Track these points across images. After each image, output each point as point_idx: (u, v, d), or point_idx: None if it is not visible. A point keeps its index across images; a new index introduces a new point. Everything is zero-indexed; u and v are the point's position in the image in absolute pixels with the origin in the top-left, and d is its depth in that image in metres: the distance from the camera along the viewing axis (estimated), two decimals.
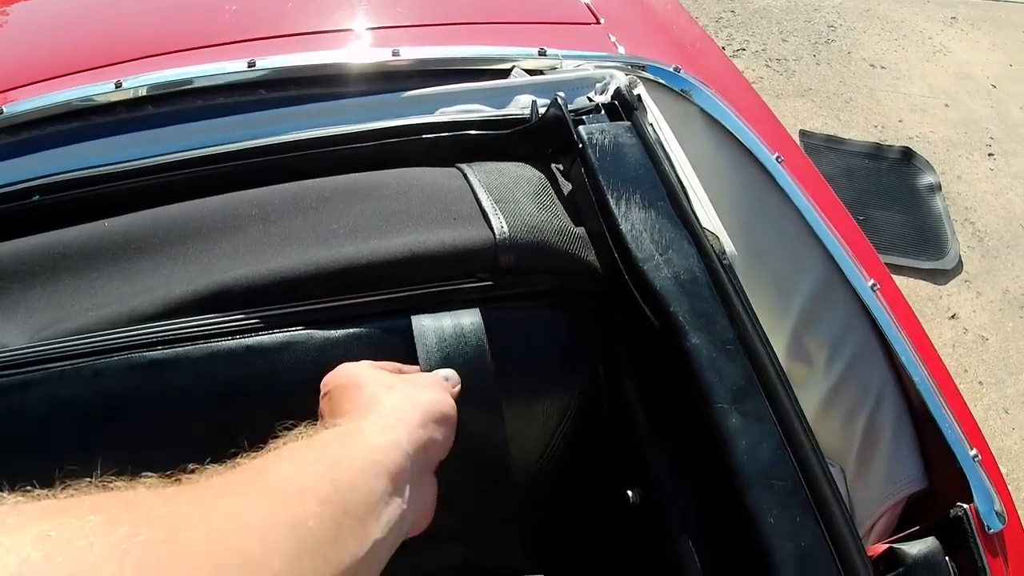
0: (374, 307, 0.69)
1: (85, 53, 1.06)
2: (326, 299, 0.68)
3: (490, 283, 0.71)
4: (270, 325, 0.66)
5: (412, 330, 0.66)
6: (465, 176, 0.80)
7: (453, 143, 0.87)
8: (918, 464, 0.84)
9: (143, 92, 0.96)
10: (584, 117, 0.87)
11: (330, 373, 0.57)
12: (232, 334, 0.66)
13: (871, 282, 0.88)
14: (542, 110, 0.86)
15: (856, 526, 0.82)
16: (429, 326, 0.66)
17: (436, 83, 0.96)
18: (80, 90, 0.96)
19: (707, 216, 0.84)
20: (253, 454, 0.42)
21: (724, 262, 0.74)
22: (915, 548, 0.72)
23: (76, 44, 1.11)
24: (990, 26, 3.63)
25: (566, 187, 0.83)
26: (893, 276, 0.89)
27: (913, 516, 0.84)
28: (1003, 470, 2.02)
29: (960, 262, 2.55)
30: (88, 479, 0.37)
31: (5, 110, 0.95)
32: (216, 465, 0.41)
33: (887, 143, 2.91)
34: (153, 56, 1.02)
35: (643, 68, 1.03)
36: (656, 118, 0.91)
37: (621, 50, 1.09)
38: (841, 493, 0.64)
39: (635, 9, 1.25)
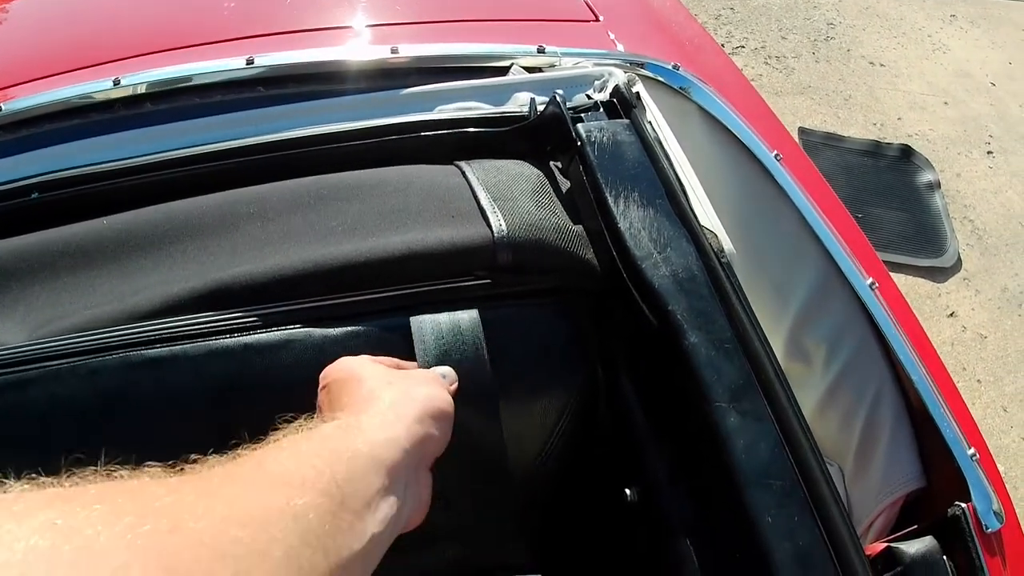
0: (372, 305, 0.69)
1: (84, 50, 1.06)
2: (325, 297, 0.68)
3: (488, 281, 0.71)
4: (268, 323, 0.66)
5: (410, 328, 0.66)
6: (463, 174, 0.80)
7: (452, 140, 0.87)
8: (916, 463, 0.84)
9: (142, 89, 0.96)
10: (583, 115, 0.87)
11: (329, 366, 0.57)
12: (230, 332, 0.66)
13: (869, 280, 0.88)
14: (541, 107, 0.86)
15: (854, 525, 0.83)
16: (427, 324, 0.66)
17: (435, 80, 0.96)
18: (79, 87, 0.96)
19: (705, 214, 0.84)
20: (253, 446, 0.43)
21: (722, 260, 0.74)
22: (913, 547, 0.72)
23: (75, 41, 1.11)
24: (989, 24, 3.63)
25: (564, 185, 0.83)
26: (892, 274, 0.89)
27: (911, 515, 0.84)
28: (1001, 468, 2.02)
29: (959, 260, 2.55)
30: (93, 468, 0.37)
31: (4, 107, 0.95)
32: (217, 456, 0.41)
33: (886, 141, 2.91)
34: (152, 53, 1.02)
35: (642, 66, 1.03)
36: (655, 116, 0.91)
37: (620, 47, 1.08)
38: (839, 492, 0.64)
39: (634, 6, 1.25)
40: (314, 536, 0.36)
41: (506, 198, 0.75)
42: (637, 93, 0.90)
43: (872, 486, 0.85)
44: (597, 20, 1.15)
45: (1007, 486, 0.79)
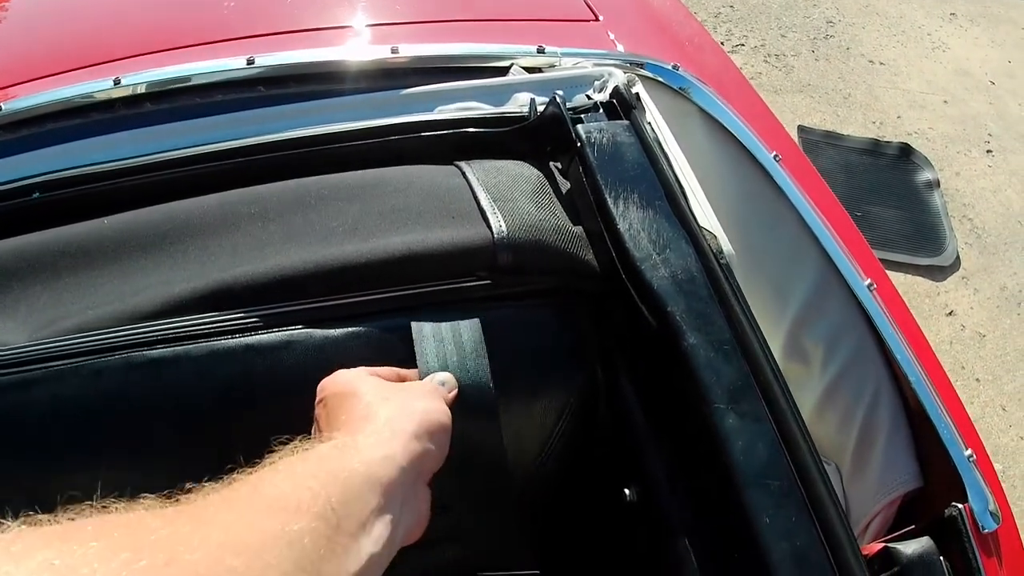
0: (373, 306, 0.69)
1: (84, 50, 1.06)
2: (325, 298, 0.69)
3: (488, 282, 0.71)
4: (270, 324, 0.67)
5: (410, 329, 0.66)
6: (464, 174, 0.80)
7: (452, 140, 0.87)
8: (913, 463, 0.85)
9: (142, 89, 0.96)
10: (582, 116, 0.87)
11: (326, 379, 0.57)
12: (232, 333, 0.66)
13: (868, 281, 0.88)
14: (541, 108, 0.86)
15: (851, 525, 0.83)
16: (427, 325, 0.66)
17: (435, 80, 0.96)
18: (79, 87, 0.96)
19: (705, 215, 0.84)
20: (249, 469, 0.43)
21: (721, 261, 0.74)
22: (910, 547, 0.72)
23: (75, 41, 1.11)
24: (989, 22, 3.62)
25: (564, 185, 0.83)
26: (891, 272, 0.89)
27: (908, 515, 0.84)
28: (999, 467, 2.03)
29: (958, 259, 2.55)
30: (89, 502, 0.37)
31: (4, 107, 0.95)
32: (212, 483, 0.41)
33: (885, 139, 2.91)
34: (152, 53, 1.02)
35: (641, 66, 1.03)
36: (654, 117, 0.92)
37: (620, 47, 1.09)
38: (837, 492, 0.64)
39: (634, 6, 1.25)
40: (309, 561, 0.36)
41: (506, 199, 0.75)
42: (637, 94, 0.91)
43: (869, 486, 0.86)
44: (597, 20, 1.15)
45: (1005, 485, 0.80)
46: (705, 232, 0.77)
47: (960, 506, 0.76)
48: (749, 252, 0.92)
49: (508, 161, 0.84)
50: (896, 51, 3.36)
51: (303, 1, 1.13)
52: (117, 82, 0.95)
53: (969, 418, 0.85)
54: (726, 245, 0.83)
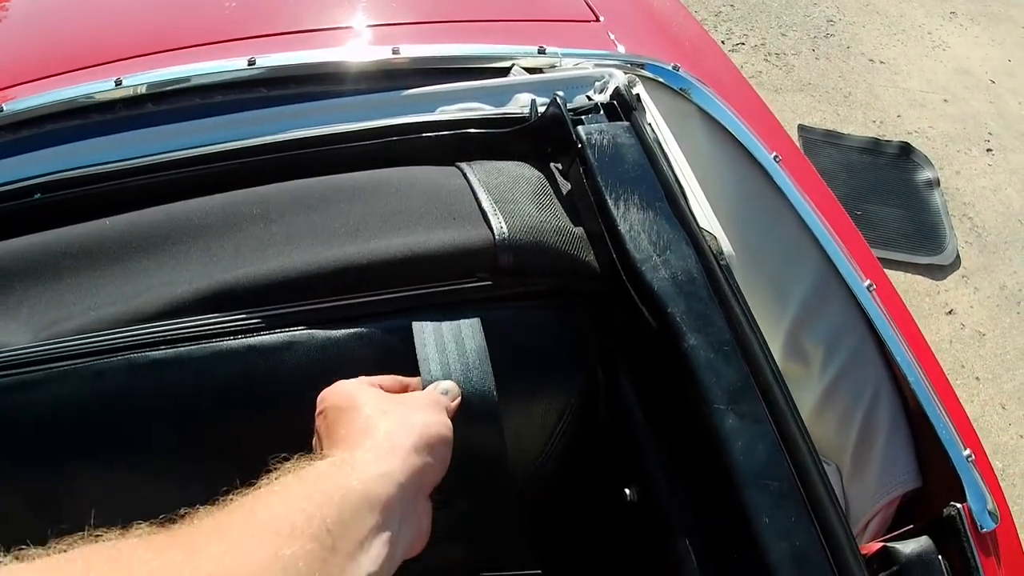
0: (374, 307, 0.69)
1: (85, 50, 1.06)
2: (327, 299, 0.69)
3: (489, 283, 0.71)
4: (271, 325, 0.67)
5: (412, 330, 0.66)
6: (465, 175, 0.80)
7: (453, 141, 0.87)
8: (912, 464, 0.85)
9: (143, 90, 0.96)
10: (583, 117, 0.87)
11: (327, 390, 0.56)
12: (234, 334, 0.66)
13: (867, 282, 0.89)
14: (541, 109, 0.86)
15: (851, 525, 0.83)
16: (428, 326, 0.66)
17: (436, 81, 0.97)
18: (80, 88, 0.96)
19: (705, 216, 0.84)
20: (245, 490, 0.42)
21: (721, 262, 0.74)
22: (909, 547, 0.73)
23: (76, 41, 1.11)
24: (989, 21, 3.62)
25: (565, 187, 0.84)
26: (891, 271, 0.90)
27: (907, 515, 0.85)
28: (999, 465, 2.04)
29: (958, 257, 2.55)
30: (80, 533, 0.37)
31: (5, 108, 0.95)
32: (207, 506, 0.41)
33: (886, 138, 2.91)
34: (153, 54, 1.02)
35: (642, 66, 1.03)
36: (655, 118, 0.92)
37: (620, 48, 1.09)
38: (836, 492, 0.65)
39: (634, 6, 1.25)
40: None
41: (507, 200, 0.76)
42: (637, 95, 0.91)
43: (869, 486, 0.86)
44: (597, 20, 1.15)
45: (1005, 483, 0.80)
46: (705, 233, 0.77)
47: (959, 506, 0.76)
48: (749, 253, 0.93)
49: (509, 162, 0.84)
50: (896, 50, 3.35)
51: (304, 2, 1.13)
52: (118, 83, 0.95)
53: (968, 418, 0.85)
54: (726, 246, 0.83)
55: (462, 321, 0.67)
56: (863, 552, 0.71)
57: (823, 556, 0.57)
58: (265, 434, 0.67)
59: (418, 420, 0.52)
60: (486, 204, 0.75)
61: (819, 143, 2.85)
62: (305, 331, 0.67)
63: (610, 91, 0.91)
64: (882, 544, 0.75)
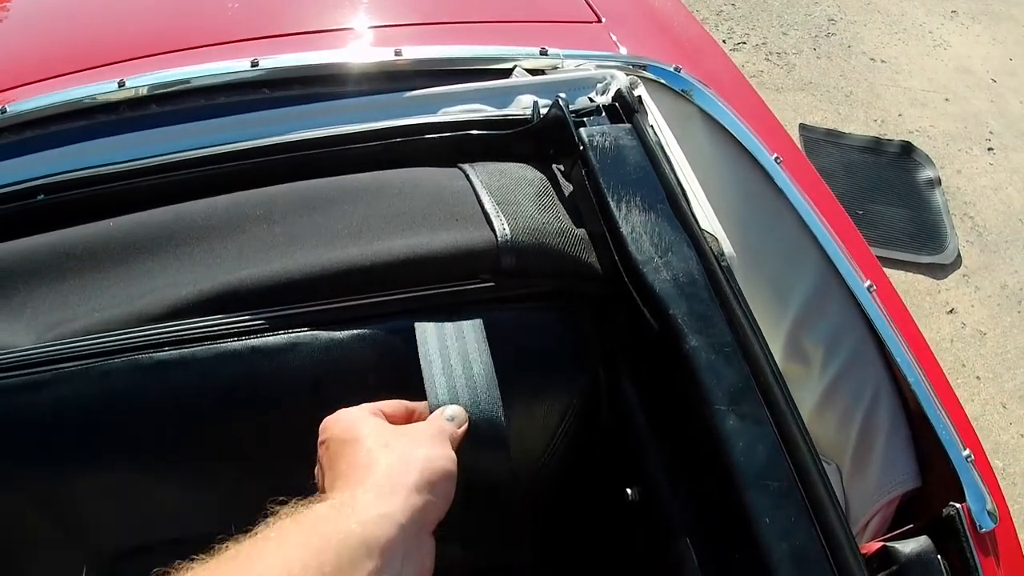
0: (377, 308, 0.70)
1: (88, 52, 1.06)
2: (330, 300, 0.69)
3: (492, 284, 0.72)
4: (275, 326, 0.67)
5: (414, 331, 0.66)
6: (467, 177, 0.81)
7: (455, 143, 0.87)
8: (912, 463, 0.85)
9: (145, 92, 0.97)
10: (585, 119, 0.88)
11: (329, 419, 0.55)
12: (238, 335, 0.66)
13: (867, 283, 0.89)
14: (544, 111, 0.87)
15: (851, 524, 0.84)
16: (431, 327, 0.67)
17: (438, 83, 0.97)
18: (83, 89, 0.97)
19: (706, 217, 0.84)
20: (241, 537, 0.42)
21: (723, 264, 0.75)
22: (908, 547, 0.73)
23: (79, 43, 1.12)
24: (990, 20, 3.62)
25: (567, 188, 0.84)
26: (891, 270, 0.90)
27: (907, 515, 0.85)
28: (999, 464, 2.04)
29: (959, 257, 2.56)
30: None
31: (9, 109, 0.95)
32: (203, 555, 0.41)
33: (887, 137, 2.91)
34: (156, 55, 1.03)
35: (644, 68, 1.03)
36: (656, 119, 0.92)
37: (622, 49, 1.09)
38: (836, 492, 0.65)
39: (636, 7, 1.25)
40: None
41: (510, 202, 0.76)
42: (639, 97, 0.91)
43: (869, 486, 0.87)
44: (599, 21, 1.15)
45: (1006, 482, 0.81)
46: (707, 235, 0.77)
47: (958, 506, 0.76)
48: (750, 253, 0.93)
49: (511, 164, 0.84)
50: (897, 49, 3.35)
51: (307, 3, 1.13)
52: (121, 84, 0.96)
53: (967, 418, 0.85)
54: (727, 247, 0.83)
55: (464, 323, 0.67)
56: (863, 552, 0.71)
57: (823, 556, 0.57)
58: (269, 435, 0.68)
59: (420, 455, 0.50)
60: (488, 206, 0.75)
61: (820, 142, 2.85)
62: (309, 332, 0.67)
63: (612, 93, 0.91)
64: (882, 544, 0.75)
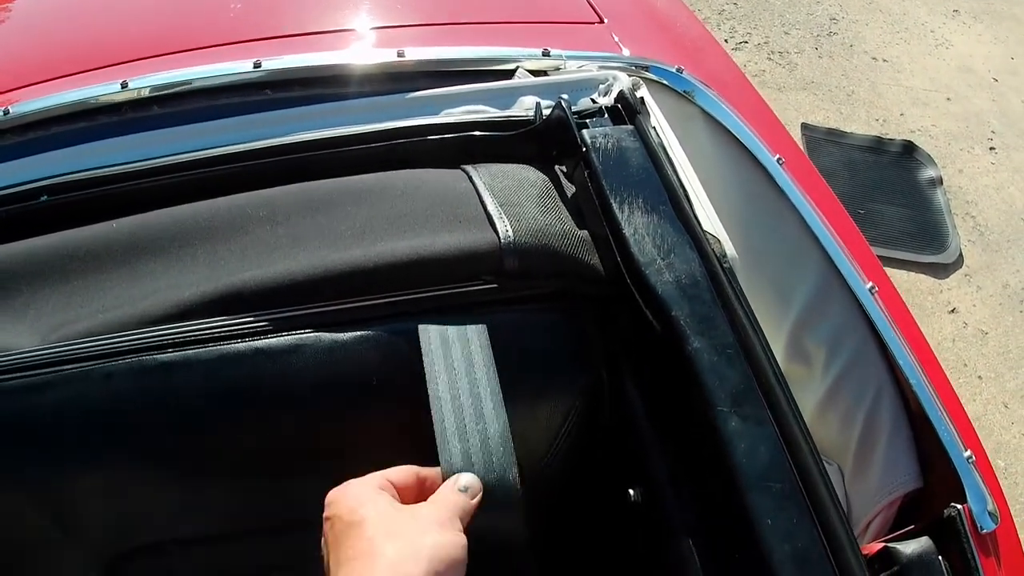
0: (381, 310, 0.70)
1: (91, 53, 1.06)
2: (334, 301, 0.69)
3: (495, 286, 0.72)
4: (279, 328, 0.67)
5: (418, 333, 0.67)
6: (470, 178, 0.81)
7: (458, 144, 0.87)
8: (914, 464, 0.85)
9: (148, 93, 0.97)
10: (588, 120, 0.88)
11: (335, 492, 0.53)
12: (241, 337, 0.67)
13: (869, 284, 0.89)
14: (546, 112, 0.87)
15: (852, 525, 0.84)
16: (434, 329, 0.67)
17: (441, 84, 0.97)
18: (86, 90, 0.97)
19: (708, 219, 0.84)
20: None
21: (725, 265, 0.75)
22: (909, 547, 0.73)
23: (81, 44, 1.12)
24: (992, 19, 3.62)
25: (570, 190, 0.84)
26: (893, 270, 0.90)
27: (908, 515, 0.85)
28: (1002, 464, 2.04)
29: (960, 256, 2.55)
30: None
31: (12, 110, 0.95)
32: None
33: (889, 136, 2.91)
34: (159, 56, 1.03)
35: (646, 69, 1.03)
36: (659, 121, 0.92)
37: (624, 50, 1.09)
38: (838, 493, 0.65)
39: (638, 8, 1.25)
40: None
41: (512, 203, 0.76)
42: (641, 98, 0.91)
43: (870, 486, 0.87)
44: (602, 22, 1.15)
45: (1007, 482, 0.81)
46: (709, 236, 0.77)
47: (959, 507, 0.77)
48: (752, 254, 0.93)
49: (514, 165, 0.84)
50: (899, 48, 3.35)
51: (309, 4, 1.14)
52: (124, 85, 0.96)
53: (969, 419, 0.85)
54: (729, 248, 0.83)
55: (467, 324, 0.67)
56: (864, 552, 0.71)
57: (825, 557, 0.57)
58: (271, 436, 0.68)
59: (428, 543, 0.48)
60: (491, 207, 0.75)
61: (822, 142, 2.85)
62: (312, 334, 0.67)
63: (614, 94, 0.92)
64: (883, 544, 0.75)
